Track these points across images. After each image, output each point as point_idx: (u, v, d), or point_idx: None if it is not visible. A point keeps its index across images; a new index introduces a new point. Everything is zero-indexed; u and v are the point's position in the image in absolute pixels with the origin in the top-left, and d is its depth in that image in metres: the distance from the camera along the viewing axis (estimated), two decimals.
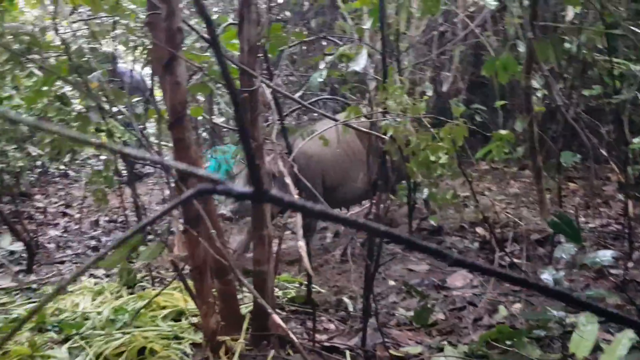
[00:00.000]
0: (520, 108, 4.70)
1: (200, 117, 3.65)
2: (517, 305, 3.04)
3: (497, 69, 3.56)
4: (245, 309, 2.79)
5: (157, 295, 2.64)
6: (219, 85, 2.85)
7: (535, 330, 2.42)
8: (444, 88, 6.98)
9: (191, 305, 2.67)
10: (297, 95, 5.93)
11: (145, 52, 3.00)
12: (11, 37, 2.65)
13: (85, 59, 2.51)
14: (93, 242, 4.84)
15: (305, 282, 3.23)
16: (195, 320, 2.71)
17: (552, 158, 4.77)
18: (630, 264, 3.21)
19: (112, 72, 5.89)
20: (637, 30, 3.98)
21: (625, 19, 4.56)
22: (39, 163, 6.41)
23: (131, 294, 3.25)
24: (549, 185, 4.55)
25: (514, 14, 4.21)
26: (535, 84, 4.14)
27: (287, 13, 8.22)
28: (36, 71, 2.94)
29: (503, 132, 2.96)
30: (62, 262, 4.29)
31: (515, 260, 3.50)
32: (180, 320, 2.83)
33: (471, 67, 7.03)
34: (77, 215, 5.48)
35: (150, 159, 0.57)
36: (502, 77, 3.59)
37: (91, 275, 3.78)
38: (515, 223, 4.10)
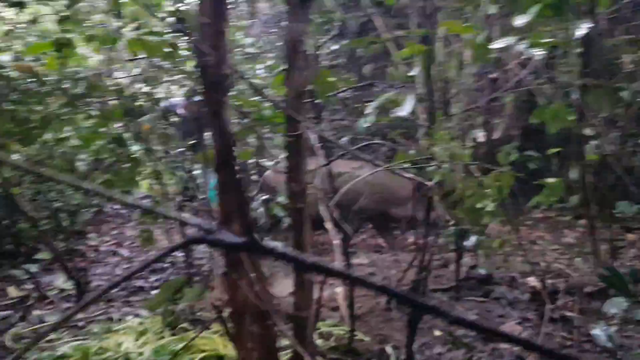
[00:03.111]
0: (575, 156, 4.58)
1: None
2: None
3: (547, 117, 3.50)
4: (285, 356, 2.76)
5: (194, 338, 2.64)
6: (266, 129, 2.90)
7: None
8: (496, 135, 6.90)
9: (230, 350, 2.66)
10: (344, 140, 5.97)
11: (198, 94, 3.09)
12: (70, 81, 2.79)
13: (138, 102, 2.61)
14: (140, 282, 4.91)
15: (349, 329, 3.18)
16: None
17: (608, 207, 4.61)
18: None
19: (165, 107, 6.09)
20: None
21: None
22: (94, 202, 6.61)
23: (173, 334, 3.27)
24: (605, 235, 4.38)
25: (566, 62, 4.15)
26: (588, 131, 4.04)
27: (341, 60, 8.36)
28: (94, 113, 3.08)
29: (551, 180, 2.88)
30: (110, 301, 4.36)
31: (567, 314, 3.35)
32: None
33: (525, 114, 6.93)
34: (127, 254, 5.60)
35: (158, 212, 0.57)
36: (551, 126, 3.52)
37: (136, 315, 3.83)
38: (568, 274, 3.95)
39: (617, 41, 4.40)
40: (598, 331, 2.16)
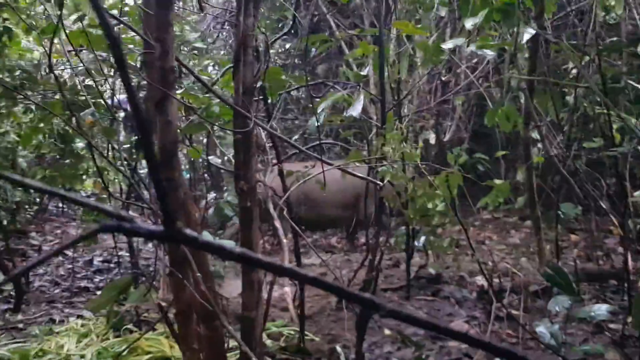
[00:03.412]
0: (522, 159, 4.69)
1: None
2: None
3: (499, 119, 3.56)
4: (234, 357, 2.71)
5: (139, 339, 2.56)
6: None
7: None
8: (446, 137, 7.00)
9: (177, 351, 2.60)
10: (294, 138, 5.94)
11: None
12: (7, 73, 2.66)
13: (80, 96, 2.51)
14: (84, 283, 4.76)
15: (298, 329, 3.16)
16: None
17: (553, 209, 4.73)
18: (629, 319, 3.12)
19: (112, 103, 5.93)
20: (636, 85, 3.98)
21: (625, 73, 4.59)
22: (37, 200, 6.38)
23: (118, 336, 3.17)
24: (549, 236, 4.49)
25: (514, 66, 4.23)
26: (535, 135, 4.13)
27: (294, 58, 8.35)
28: (34, 107, 2.95)
29: (498, 181, 2.93)
30: (52, 302, 4.21)
31: (513, 312, 3.41)
32: None
33: (475, 117, 7.07)
34: (71, 254, 5.42)
35: (77, 200, 0.53)
36: (504, 126, 3.58)
37: (79, 316, 3.70)
38: (514, 273, 4.03)
39: (562, 47, 4.51)
40: (542, 328, 2.19)
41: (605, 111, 4.00)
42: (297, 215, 4.55)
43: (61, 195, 0.59)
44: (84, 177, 3.98)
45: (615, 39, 5.04)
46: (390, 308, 0.50)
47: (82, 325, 3.39)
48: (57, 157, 3.23)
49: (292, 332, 3.36)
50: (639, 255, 4.20)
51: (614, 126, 3.94)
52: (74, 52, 2.78)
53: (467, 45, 2.92)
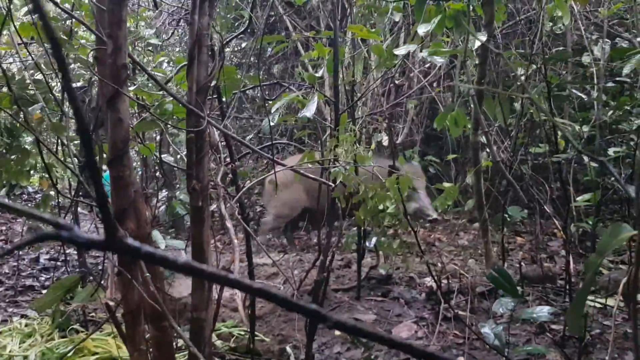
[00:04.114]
0: (471, 162, 4.80)
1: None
2: (461, 359, 3.02)
3: (448, 123, 3.64)
4: (183, 357, 2.69)
5: (85, 339, 2.52)
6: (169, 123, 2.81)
7: None
8: (399, 139, 7.09)
9: (125, 352, 2.56)
10: (248, 138, 5.92)
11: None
12: None
13: (29, 90, 2.45)
14: (29, 281, 4.63)
15: (249, 330, 3.15)
16: None
17: (500, 212, 4.87)
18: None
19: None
20: (579, 94, 4.14)
21: (570, 82, 4.76)
22: None
23: (64, 337, 3.10)
24: (496, 238, 4.62)
25: (464, 73, 4.34)
26: (484, 139, 4.24)
27: (249, 58, 8.30)
28: None
29: (447, 185, 3.00)
30: None
31: (460, 313, 3.50)
32: None
33: (427, 121, 7.19)
34: (16, 252, 5.26)
35: (11, 207, 0.52)
36: (453, 131, 3.67)
37: (23, 315, 3.60)
38: (462, 275, 4.13)
39: (511, 54, 4.65)
40: (487, 329, 2.26)
41: (550, 118, 4.15)
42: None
43: None
44: (32, 172, 3.86)
45: (561, 48, 5.23)
46: (335, 319, 0.51)
47: (26, 325, 3.29)
48: (4, 151, 3.14)
49: (242, 333, 3.36)
50: (580, 258, 4.37)
51: (559, 133, 4.09)
52: (22, 45, 2.71)
53: (420, 51, 2.98)
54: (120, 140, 2.02)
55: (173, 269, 0.49)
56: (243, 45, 7.70)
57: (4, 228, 6.65)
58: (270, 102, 3.52)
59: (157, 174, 6.08)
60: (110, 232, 0.46)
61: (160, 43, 5.33)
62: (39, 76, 2.71)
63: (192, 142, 2.30)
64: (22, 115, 2.43)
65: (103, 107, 2.21)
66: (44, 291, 4.35)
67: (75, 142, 3.24)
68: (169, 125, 2.66)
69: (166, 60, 5.18)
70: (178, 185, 5.72)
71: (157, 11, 6.49)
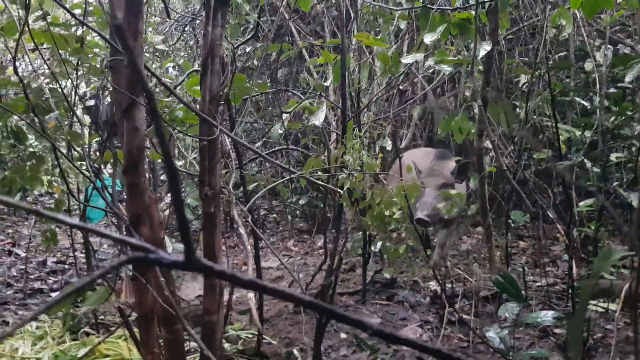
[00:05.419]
0: (475, 167, 4.86)
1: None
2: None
3: (452, 129, 3.70)
4: (194, 359, 2.74)
5: (99, 343, 2.57)
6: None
7: None
8: (403, 144, 7.14)
9: (136, 354, 2.61)
10: (257, 145, 5.98)
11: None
12: None
13: (44, 98, 2.50)
14: (38, 284, 4.68)
15: (256, 333, 3.20)
16: None
17: (503, 216, 4.91)
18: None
19: (94, 108, 5.86)
20: (581, 101, 4.19)
21: (573, 88, 4.81)
22: None
23: (74, 340, 3.15)
24: (500, 242, 4.67)
25: (469, 80, 4.39)
26: (488, 145, 4.29)
27: (255, 62, 8.34)
28: None
29: (453, 191, 3.05)
30: (4, 304, 4.13)
31: (465, 317, 3.55)
32: None
33: (431, 126, 7.24)
34: (24, 255, 5.32)
35: (70, 224, 0.58)
36: (457, 136, 3.73)
37: (34, 318, 3.65)
38: (466, 279, 4.18)
39: (515, 62, 4.71)
40: (492, 333, 2.31)
41: (553, 123, 4.20)
42: None
43: (46, 216, 0.61)
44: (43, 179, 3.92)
45: (563, 53, 5.29)
46: (388, 332, 0.55)
47: (37, 328, 3.34)
48: (16, 158, 3.19)
49: (250, 336, 3.41)
50: (582, 262, 4.41)
51: (562, 138, 4.14)
52: (37, 53, 2.76)
53: (426, 60, 3.04)
54: (136, 148, 2.08)
55: (240, 285, 0.54)
56: (248, 49, 7.76)
57: (10, 231, 6.71)
58: (277, 110, 3.57)
59: (164, 178, 6.14)
60: (189, 253, 0.52)
61: (167, 48, 5.39)
62: (47, 82, 2.76)
63: (204, 150, 2.35)
64: (37, 122, 2.48)
65: (118, 116, 2.27)
66: (53, 294, 4.41)
67: (90, 148, 3.29)
68: (180, 133, 2.71)
69: (172, 65, 5.24)
70: (185, 190, 5.77)
71: (163, 17, 6.56)
